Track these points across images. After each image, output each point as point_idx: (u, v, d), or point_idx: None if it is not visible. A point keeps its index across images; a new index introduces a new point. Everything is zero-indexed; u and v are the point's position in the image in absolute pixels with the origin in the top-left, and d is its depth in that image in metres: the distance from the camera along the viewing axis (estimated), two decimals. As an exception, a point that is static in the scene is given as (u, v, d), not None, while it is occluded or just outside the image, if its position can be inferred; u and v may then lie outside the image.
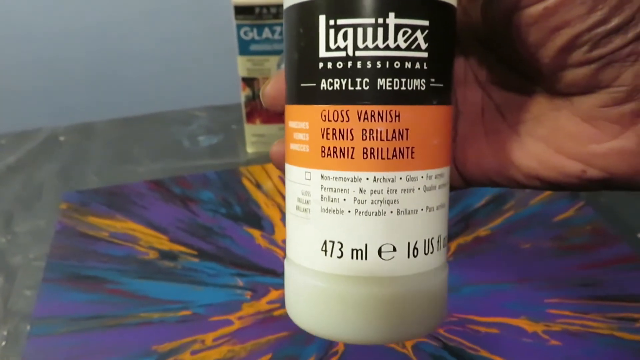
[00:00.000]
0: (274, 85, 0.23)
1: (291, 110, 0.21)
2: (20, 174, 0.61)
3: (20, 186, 0.60)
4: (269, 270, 0.44)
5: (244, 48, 0.57)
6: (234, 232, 0.47)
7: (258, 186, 0.53)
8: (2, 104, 0.79)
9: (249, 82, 0.59)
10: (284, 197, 0.52)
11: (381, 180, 0.19)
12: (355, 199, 0.19)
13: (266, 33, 0.56)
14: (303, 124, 0.20)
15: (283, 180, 0.54)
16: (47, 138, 0.68)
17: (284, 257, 0.23)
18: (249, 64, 0.58)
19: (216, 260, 0.45)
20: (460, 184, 0.25)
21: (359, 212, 0.19)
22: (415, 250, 0.20)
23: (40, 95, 0.80)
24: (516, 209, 0.49)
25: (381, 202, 0.19)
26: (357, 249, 0.20)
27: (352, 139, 0.19)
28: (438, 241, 0.21)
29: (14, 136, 0.68)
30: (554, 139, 0.21)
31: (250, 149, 0.62)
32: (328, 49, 0.19)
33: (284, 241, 0.46)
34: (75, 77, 0.80)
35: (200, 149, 0.64)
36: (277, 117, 0.61)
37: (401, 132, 0.19)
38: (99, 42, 0.78)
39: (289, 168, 0.22)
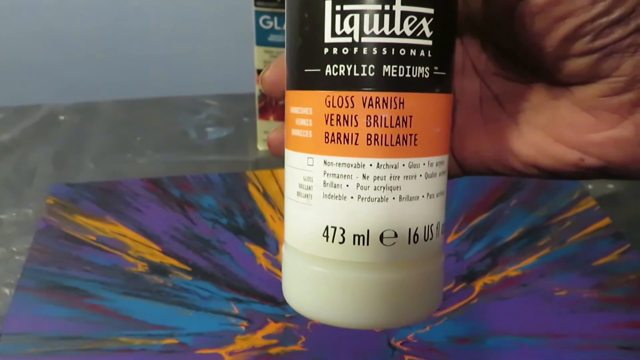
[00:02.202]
0: (274, 70, 0.23)
1: (293, 95, 0.21)
2: (12, 155, 0.57)
3: (11, 168, 0.55)
4: (268, 298, 0.39)
5: (262, 38, 0.51)
6: (234, 248, 0.43)
7: (265, 195, 0.48)
8: (4, 76, 0.75)
9: (265, 75, 0.53)
10: (292, 210, 0.47)
11: (384, 166, 0.19)
12: (358, 185, 0.19)
13: (288, 23, 0.50)
14: (306, 109, 0.20)
15: (293, 190, 0.49)
16: (46, 116, 0.63)
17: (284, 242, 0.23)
18: (266, 55, 0.52)
19: (211, 280, 0.40)
20: (458, 172, 0.25)
21: (362, 198, 0.19)
22: (416, 237, 0.20)
23: (43, 69, 0.75)
24: (552, 247, 0.43)
25: (384, 188, 0.19)
26: (359, 234, 0.20)
27: (357, 125, 0.19)
28: (437, 228, 0.21)
29: (12, 111, 0.64)
30: (553, 128, 0.22)
31: (261, 147, 0.57)
32: (334, 34, 0.19)
33: (288, 263, 0.41)
34: (82, 52, 0.74)
35: (208, 142, 0.59)
36: (293, 115, 0.55)
37: (405, 119, 0.19)
38: (110, 16, 0.73)
39: (289, 154, 0.21)
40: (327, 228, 0.20)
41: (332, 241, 0.20)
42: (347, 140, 0.19)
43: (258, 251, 0.42)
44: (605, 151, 0.21)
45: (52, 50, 0.74)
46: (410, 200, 0.20)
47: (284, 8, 0.49)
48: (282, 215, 0.46)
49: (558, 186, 0.49)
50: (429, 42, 0.19)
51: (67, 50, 0.74)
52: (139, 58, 0.74)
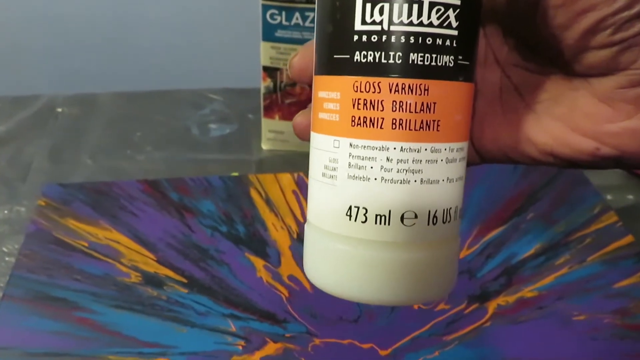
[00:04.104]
0: (303, 57, 0.23)
1: (322, 80, 0.21)
2: (7, 148, 0.55)
3: (5, 162, 0.53)
4: (268, 315, 0.37)
5: (269, 33, 0.49)
6: (233, 259, 0.40)
7: (267, 201, 0.46)
8: (1, 64, 0.72)
9: (271, 72, 0.51)
10: (295, 218, 0.45)
11: (408, 150, 0.20)
12: (382, 167, 0.20)
13: (296, 18, 0.48)
14: (334, 94, 0.21)
15: (297, 195, 0.46)
16: (44, 107, 0.61)
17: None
18: (273, 51, 0.50)
19: (208, 293, 0.38)
20: (476, 159, 0.25)
21: (385, 180, 0.20)
22: (435, 219, 0.21)
23: (42, 57, 0.72)
24: (571, 266, 0.41)
25: (406, 171, 0.20)
26: (381, 214, 0.20)
27: (383, 110, 0.20)
28: (455, 211, 0.21)
29: (9, 101, 0.62)
30: (571, 118, 0.22)
31: (265, 146, 0.55)
32: (364, 22, 0.20)
33: (289, 277, 0.39)
34: (83, 40, 0.72)
35: (210, 140, 0.57)
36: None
37: (429, 105, 0.20)
38: (113, 3, 0.70)
39: (315, 136, 0.22)
40: (350, 208, 0.21)
41: (355, 220, 0.20)
42: (373, 124, 0.20)
43: (258, 263, 0.40)
44: (620, 141, 0.21)
45: (52, 38, 0.71)
46: (431, 183, 0.20)
47: (293, 3, 0.47)
48: (284, 223, 0.43)
49: (578, 199, 0.46)
50: (455, 32, 0.20)
51: (67, 38, 0.71)
52: (142, 48, 0.72)
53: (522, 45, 0.24)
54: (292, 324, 0.36)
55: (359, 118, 0.20)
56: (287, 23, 0.48)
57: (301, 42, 0.49)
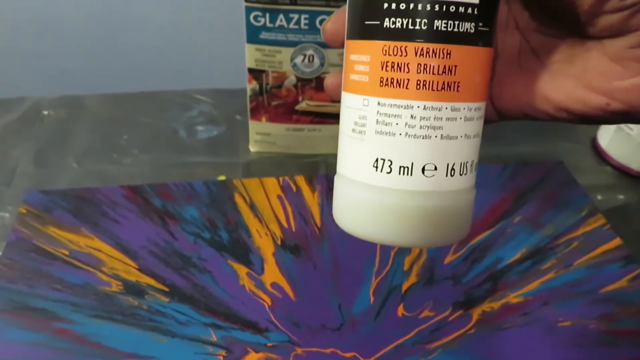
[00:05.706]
0: (335, 22, 0.25)
1: (353, 44, 0.23)
2: (-8, 152, 0.54)
3: (-11, 167, 0.53)
4: (250, 324, 0.36)
5: (253, 35, 0.48)
6: (216, 267, 0.40)
7: (252, 207, 0.45)
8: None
9: (256, 74, 0.50)
10: (280, 224, 0.44)
11: (430, 108, 0.22)
12: (406, 123, 0.22)
13: (280, 20, 0.47)
14: (364, 57, 0.22)
15: (281, 200, 0.46)
16: (29, 110, 0.60)
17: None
18: (257, 54, 0.49)
19: (189, 302, 0.37)
20: (495, 117, 0.27)
21: (409, 135, 0.22)
22: (453, 171, 0.23)
23: (28, 59, 0.72)
24: (557, 271, 0.40)
25: (428, 127, 0.22)
26: (405, 166, 0.22)
27: (408, 72, 0.22)
28: (471, 165, 0.23)
29: (-6, 104, 0.61)
30: (584, 76, 0.24)
31: (253, 148, 0.54)
32: None
33: (272, 285, 0.39)
34: (70, 41, 0.71)
35: (197, 142, 0.56)
36: (284, 116, 0.52)
37: (450, 68, 0.22)
38: (100, 4, 0.70)
39: (346, 95, 0.24)
40: (377, 160, 0.23)
41: (381, 171, 0.22)
42: (399, 85, 0.22)
43: (241, 270, 0.40)
44: (629, 97, 0.23)
45: (37, 40, 0.71)
46: (450, 139, 0.22)
47: (277, 4, 0.46)
48: (268, 230, 0.43)
49: (566, 201, 0.46)
50: (476, 1, 0.21)
51: (53, 39, 0.71)
52: (129, 49, 0.71)
53: (542, 11, 0.25)
54: (274, 333, 0.36)
55: (387, 79, 0.22)
56: (271, 25, 0.47)
57: (286, 44, 0.48)
